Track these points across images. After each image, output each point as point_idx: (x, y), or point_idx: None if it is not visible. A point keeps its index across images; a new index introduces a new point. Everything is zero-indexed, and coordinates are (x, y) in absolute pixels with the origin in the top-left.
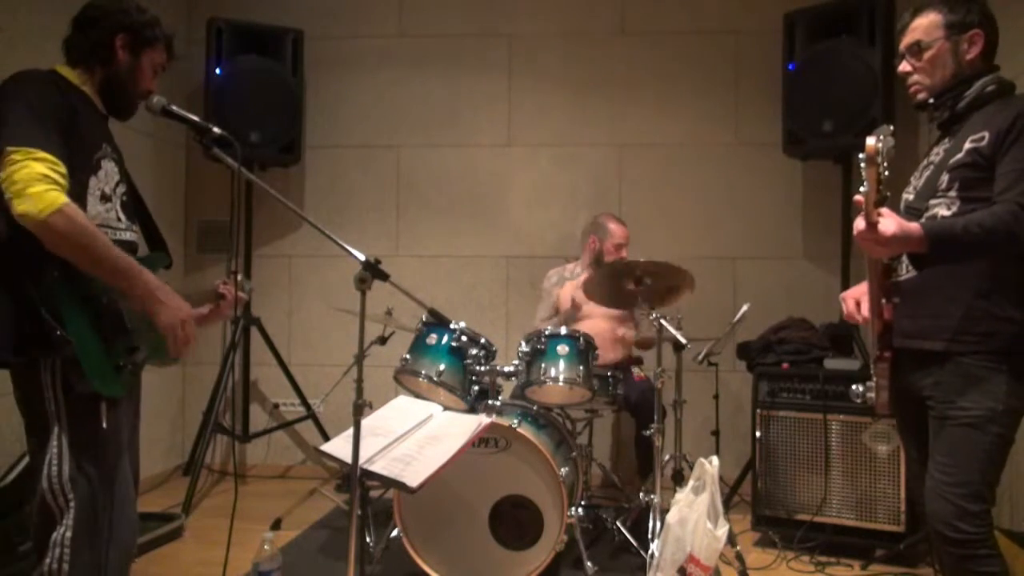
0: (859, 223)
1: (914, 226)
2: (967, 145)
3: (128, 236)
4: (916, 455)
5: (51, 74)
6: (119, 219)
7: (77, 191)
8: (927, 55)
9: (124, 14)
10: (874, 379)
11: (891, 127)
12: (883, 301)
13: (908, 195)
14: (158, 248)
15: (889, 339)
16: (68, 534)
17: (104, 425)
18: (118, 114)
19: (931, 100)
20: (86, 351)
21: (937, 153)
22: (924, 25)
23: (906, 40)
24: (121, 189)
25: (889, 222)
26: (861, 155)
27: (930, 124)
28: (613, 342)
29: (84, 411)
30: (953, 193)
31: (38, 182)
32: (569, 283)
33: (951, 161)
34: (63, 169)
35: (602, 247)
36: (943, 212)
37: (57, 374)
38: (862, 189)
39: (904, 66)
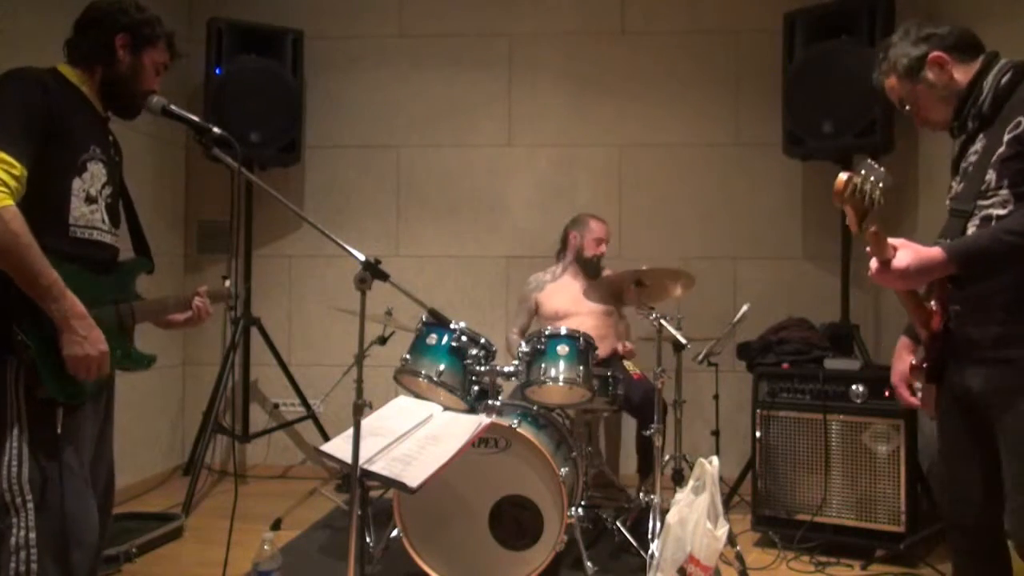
0: (872, 264)
1: (935, 251)
2: (1006, 136)
3: (108, 239)
4: (953, 461)
5: (46, 72)
6: (103, 221)
7: (60, 191)
8: (915, 105)
9: (123, 14)
10: (920, 385)
11: (874, 163)
12: (932, 308)
13: (951, 199)
14: (142, 253)
15: (935, 349)
16: (32, 535)
17: (59, 430)
18: (122, 114)
19: (953, 124)
20: (45, 356)
21: (975, 152)
22: (891, 87)
23: (892, 99)
24: (107, 192)
25: (904, 254)
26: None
27: (959, 136)
28: (600, 339)
29: (43, 414)
30: (1005, 192)
31: None
32: (550, 286)
33: (994, 157)
34: (18, 172)
35: (582, 242)
36: (998, 212)
37: (20, 376)
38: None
39: (907, 112)
